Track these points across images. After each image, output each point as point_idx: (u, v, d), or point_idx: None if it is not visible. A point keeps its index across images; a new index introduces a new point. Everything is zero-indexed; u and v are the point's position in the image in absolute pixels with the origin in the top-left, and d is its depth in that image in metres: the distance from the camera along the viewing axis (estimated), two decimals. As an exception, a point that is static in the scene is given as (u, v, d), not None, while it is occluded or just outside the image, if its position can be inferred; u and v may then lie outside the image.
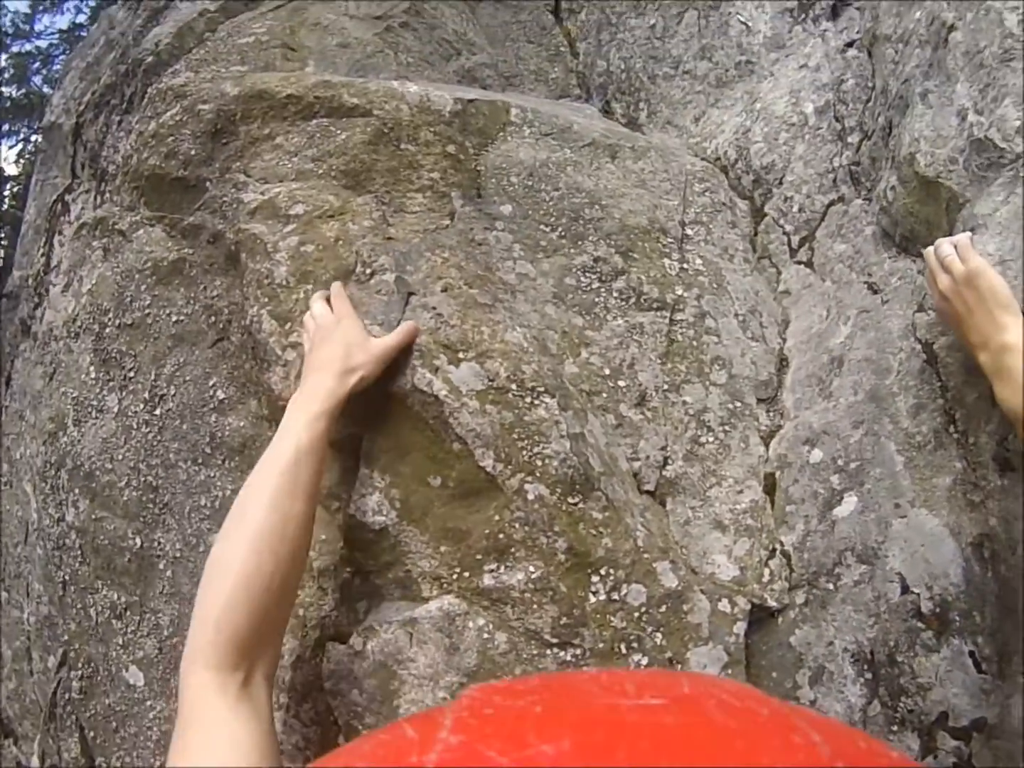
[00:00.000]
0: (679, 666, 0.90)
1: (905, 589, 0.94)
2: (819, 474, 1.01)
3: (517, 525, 0.90)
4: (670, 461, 1.02)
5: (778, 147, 1.33)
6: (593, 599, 0.90)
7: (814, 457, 1.02)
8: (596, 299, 1.12)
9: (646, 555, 0.94)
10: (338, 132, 1.18)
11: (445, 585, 0.91)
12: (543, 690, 0.34)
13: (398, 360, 0.94)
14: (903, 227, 1.10)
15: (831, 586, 0.97)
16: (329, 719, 0.93)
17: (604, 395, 1.06)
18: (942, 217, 1.05)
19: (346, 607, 0.96)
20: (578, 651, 0.88)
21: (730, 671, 0.92)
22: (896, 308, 1.07)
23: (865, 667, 0.94)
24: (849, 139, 1.28)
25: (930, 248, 0.96)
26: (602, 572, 0.91)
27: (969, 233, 0.95)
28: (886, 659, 0.94)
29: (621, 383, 1.07)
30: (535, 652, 0.88)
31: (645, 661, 0.89)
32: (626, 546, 0.93)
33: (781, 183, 1.31)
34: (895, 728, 0.94)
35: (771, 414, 1.11)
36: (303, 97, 1.20)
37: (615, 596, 0.91)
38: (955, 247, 0.92)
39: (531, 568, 0.89)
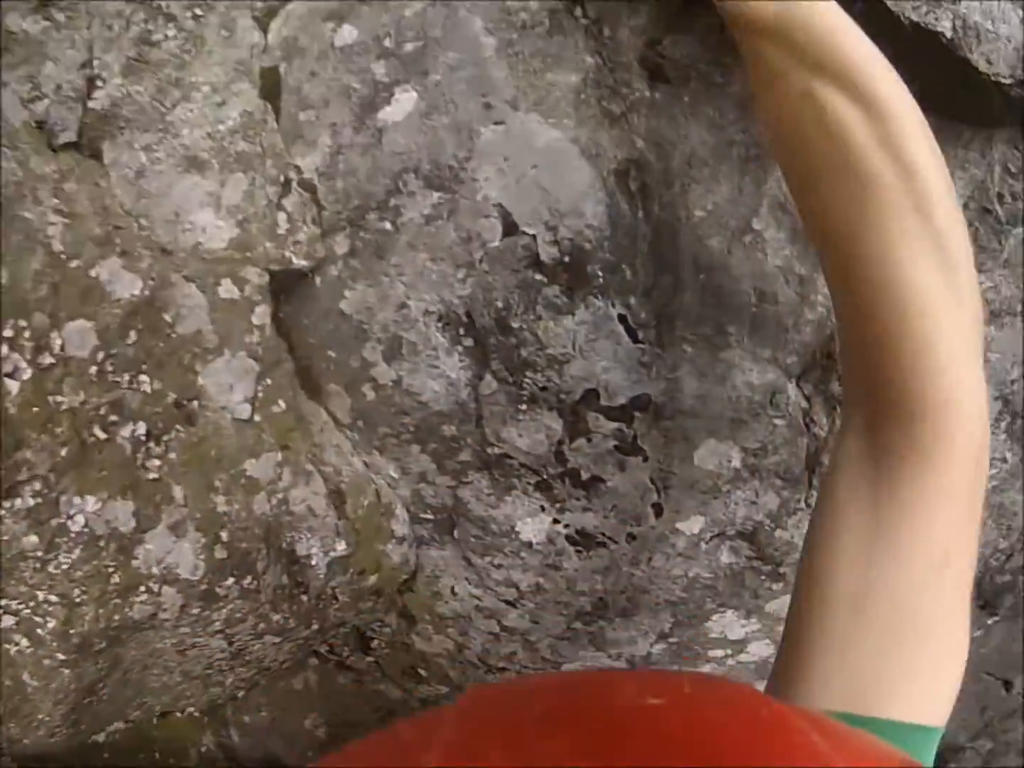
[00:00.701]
0: (191, 402, 0.57)
1: (511, 229, 0.61)
2: (352, 61, 0.61)
3: None
4: (100, 82, 0.58)
5: None
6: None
7: (343, 37, 0.60)
8: None
9: (73, 261, 0.51)
10: None
11: None
12: (543, 690, 0.34)
13: None
14: None
15: (388, 225, 0.61)
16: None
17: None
18: None
19: None
20: None
21: (271, 380, 0.59)
22: None
23: (462, 334, 0.63)
24: None
25: None
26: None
27: None
28: (494, 324, 0.61)
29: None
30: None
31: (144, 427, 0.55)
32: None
33: None
34: (523, 407, 0.64)
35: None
36: None
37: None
38: None
39: None
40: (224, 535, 0.62)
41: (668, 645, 0.86)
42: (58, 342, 0.53)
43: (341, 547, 0.67)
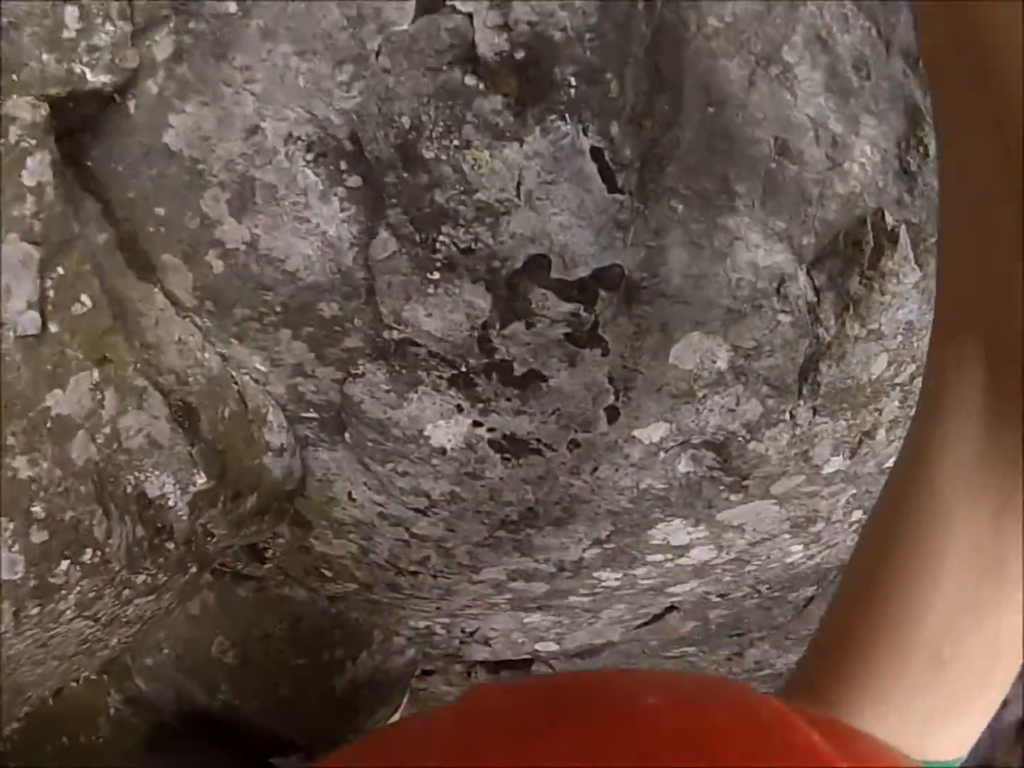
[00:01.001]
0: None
1: (433, 2, 0.39)
2: None
3: None
4: None
5: None
6: None
7: None
8: None
9: None
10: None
11: None
12: (543, 690, 0.32)
13: None
14: None
15: (231, 5, 0.39)
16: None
17: None
18: None
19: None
20: None
21: (63, 268, 0.41)
22: None
23: (343, 169, 0.42)
24: None
25: None
26: None
27: None
28: (394, 153, 0.41)
29: None
30: None
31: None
32: None
33: None
34: (435, 277, 0.46)
35: None
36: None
37: None
38: None
39: None
40: (37, 510, 0.43)
41: (603, 550, 0.75)
42: None
43: (201, 479, 0.49)
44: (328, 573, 0.77)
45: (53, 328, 0.42)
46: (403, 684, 0.99)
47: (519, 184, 0.44)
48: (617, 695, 0.30)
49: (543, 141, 0.43)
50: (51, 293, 0.41)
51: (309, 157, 0.42)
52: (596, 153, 0.45)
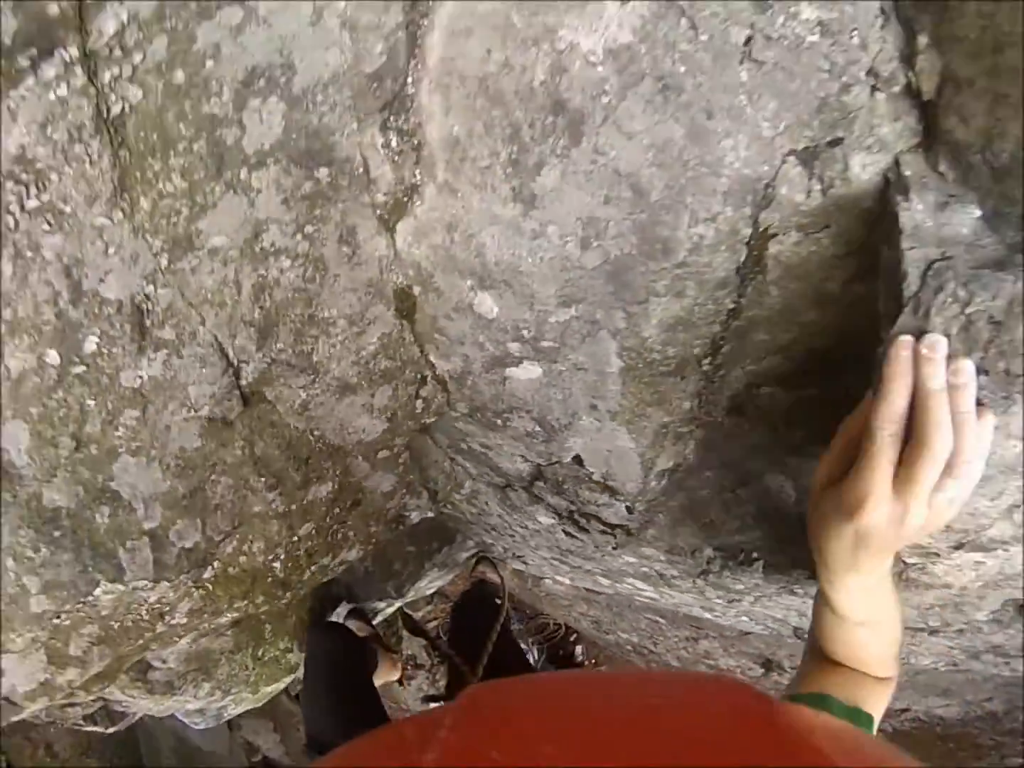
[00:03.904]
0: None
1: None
2: (490, 331, 0.63)
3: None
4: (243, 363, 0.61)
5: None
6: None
7: (483, 306, 0.60)
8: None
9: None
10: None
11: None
12: (543, 690, 0.33)
13: None
14: None
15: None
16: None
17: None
18: None
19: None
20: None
21: None
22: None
23: None
24: None
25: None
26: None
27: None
28: None
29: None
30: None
31: None
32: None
33: None
34: None
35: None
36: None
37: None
38: None
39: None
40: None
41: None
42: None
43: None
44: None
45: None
46: (464, 565, 1.38)
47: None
48: (617, 695, 0.30)
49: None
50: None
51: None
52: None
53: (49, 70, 0.46)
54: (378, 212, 0.56)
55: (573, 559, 1.09)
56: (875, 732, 0.57)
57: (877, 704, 0.57)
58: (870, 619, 0.54)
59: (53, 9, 0.45)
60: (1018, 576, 0.57)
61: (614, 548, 0.88)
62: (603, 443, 0.70)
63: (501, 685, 0.36)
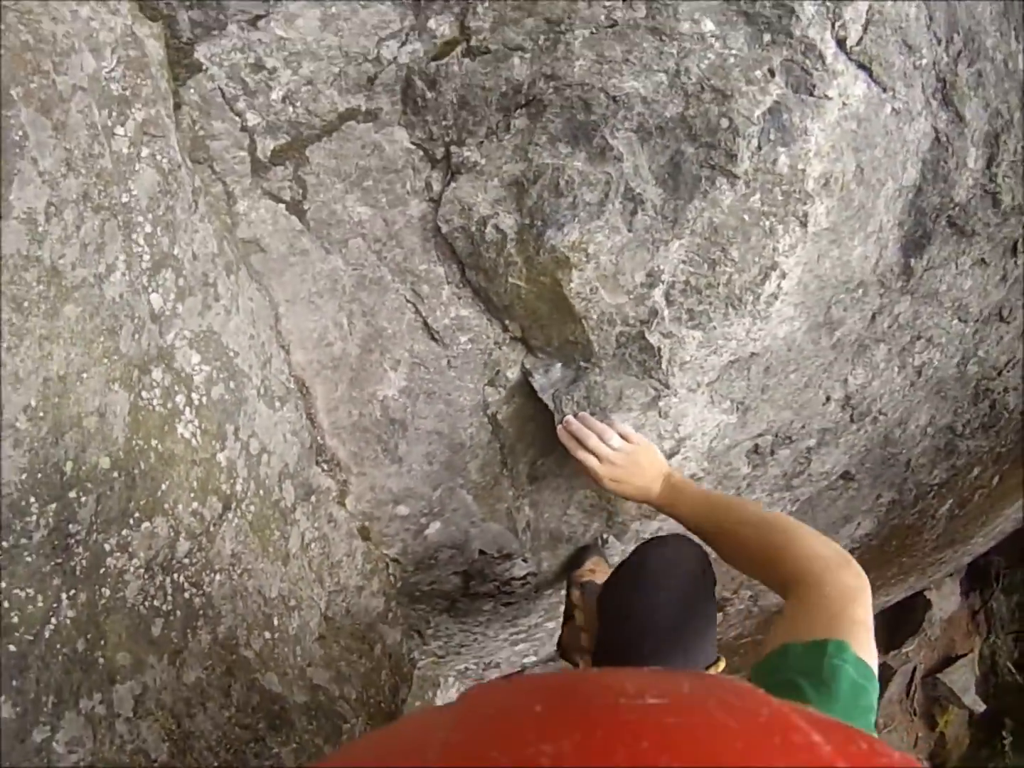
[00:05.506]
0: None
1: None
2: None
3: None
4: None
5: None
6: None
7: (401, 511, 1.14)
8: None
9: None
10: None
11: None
12: (543, 690, 0.34)
13: None
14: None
15: None
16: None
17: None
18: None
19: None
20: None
21: None
22: (467, 381, 1.08)
23: None
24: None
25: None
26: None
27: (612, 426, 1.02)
28: None
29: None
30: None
31: None
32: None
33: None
34: None
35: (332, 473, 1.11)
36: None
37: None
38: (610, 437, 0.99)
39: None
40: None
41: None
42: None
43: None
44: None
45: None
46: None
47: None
48: (617, 695, 0.31)
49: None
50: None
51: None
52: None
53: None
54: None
55: (521, 623, 1.52)
56: (867, 643, 0.56)
57: (839, 620, 0.57)
58: (707, 521, 0.86)
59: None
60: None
61: (535, 591, 1.35)
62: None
63: (501, 685, 0.37)
